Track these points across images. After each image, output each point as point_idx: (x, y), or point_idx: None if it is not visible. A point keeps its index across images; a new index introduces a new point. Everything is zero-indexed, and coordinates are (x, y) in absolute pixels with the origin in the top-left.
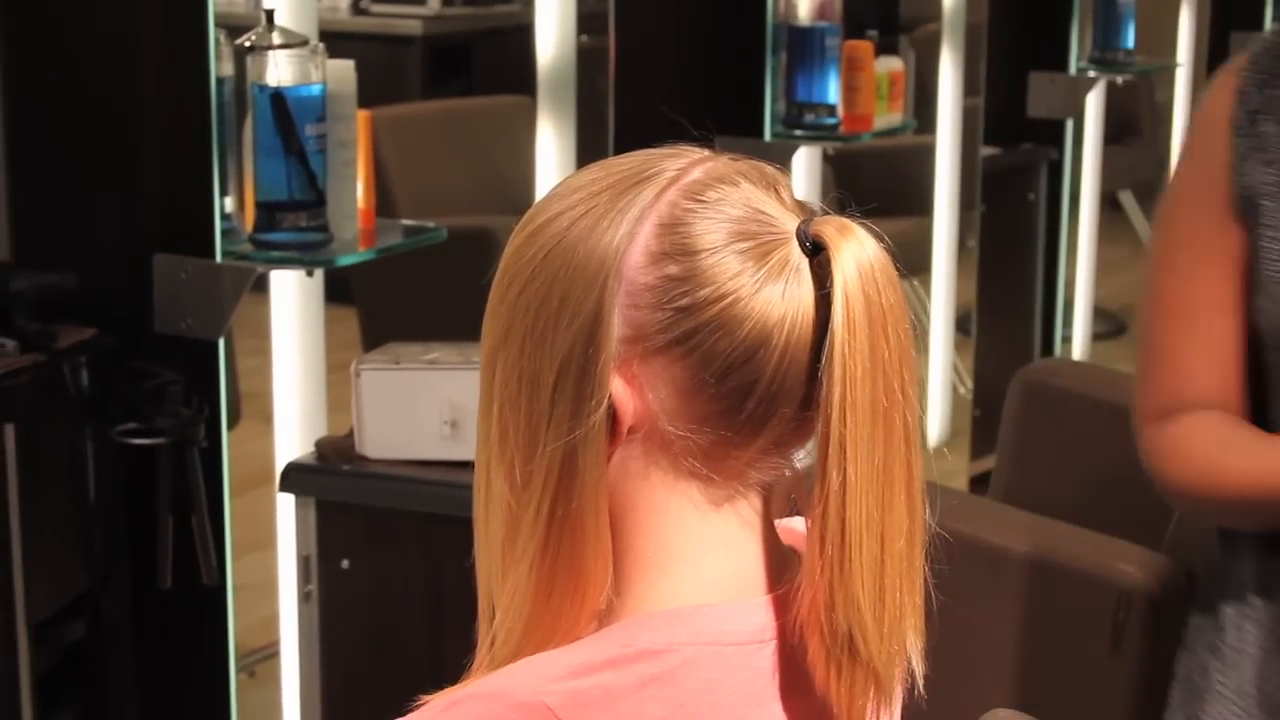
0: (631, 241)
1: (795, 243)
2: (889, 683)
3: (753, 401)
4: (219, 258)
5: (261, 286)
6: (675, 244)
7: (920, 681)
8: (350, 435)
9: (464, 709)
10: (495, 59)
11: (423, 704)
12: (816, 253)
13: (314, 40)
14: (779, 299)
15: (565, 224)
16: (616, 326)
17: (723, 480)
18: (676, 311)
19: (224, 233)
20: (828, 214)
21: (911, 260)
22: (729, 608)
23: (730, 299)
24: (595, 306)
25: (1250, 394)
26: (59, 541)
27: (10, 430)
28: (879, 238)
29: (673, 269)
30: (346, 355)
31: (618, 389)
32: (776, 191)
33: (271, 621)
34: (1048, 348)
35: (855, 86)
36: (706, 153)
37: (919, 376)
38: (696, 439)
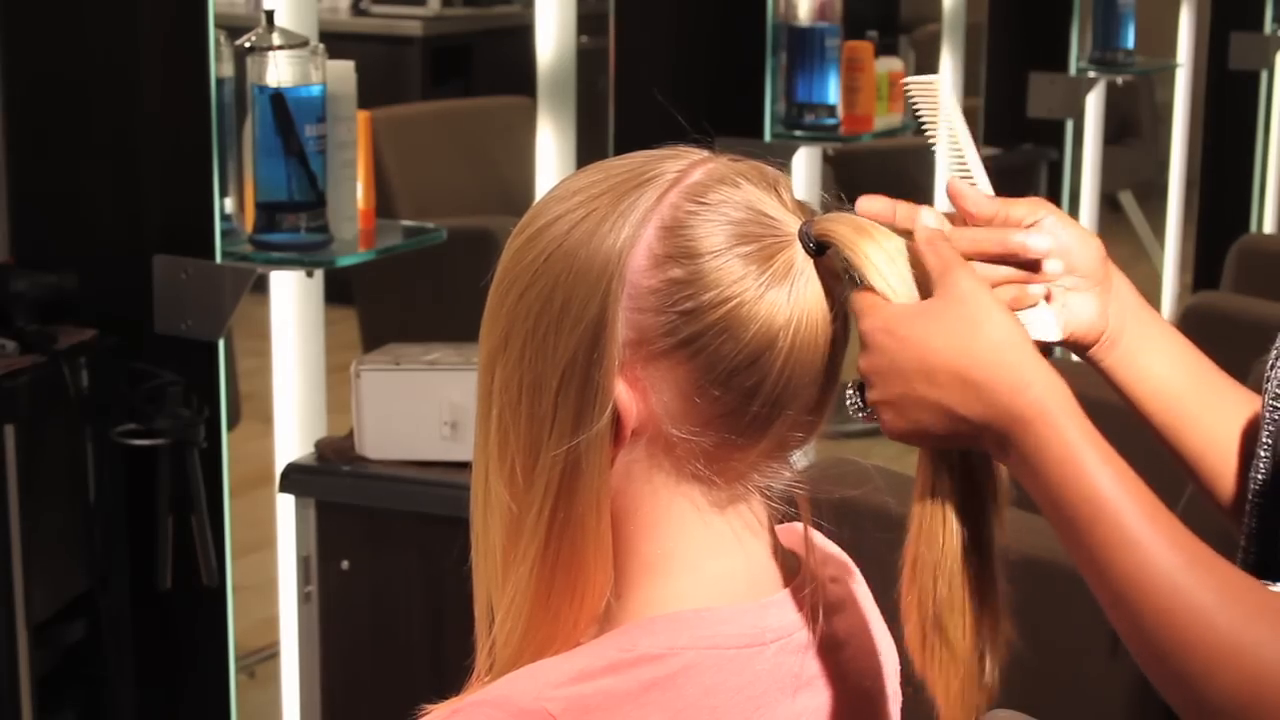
0: (635, 244)
1: (798, 244)
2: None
3: (757, 404)
4: (219, 258)
5: (261, 287)
6: (678, 247)
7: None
8: (350, 436)
9: (466, 716)
10: (495, 59)
11: (426, 713)
12: (821, 253)
13: (314, 41)
14: (785, 302)
15: (565, 227)
16: (620, 330)
17: (725, 483)
18: (680, 315)
19: (224, 233)
20: (829, 213)
21: None
22: (730, 611)
23: (735, 302)
24: (599, 310)
25: None
26: (59, 541)
27: (10, 430)
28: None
29: (676, 272)
30: (346, 356)
31: (621, 393)
32: (777, 192)
33: (271, 622)
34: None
35: (855, 87)
36: (706, 154)
37: None
38: (700, 442)
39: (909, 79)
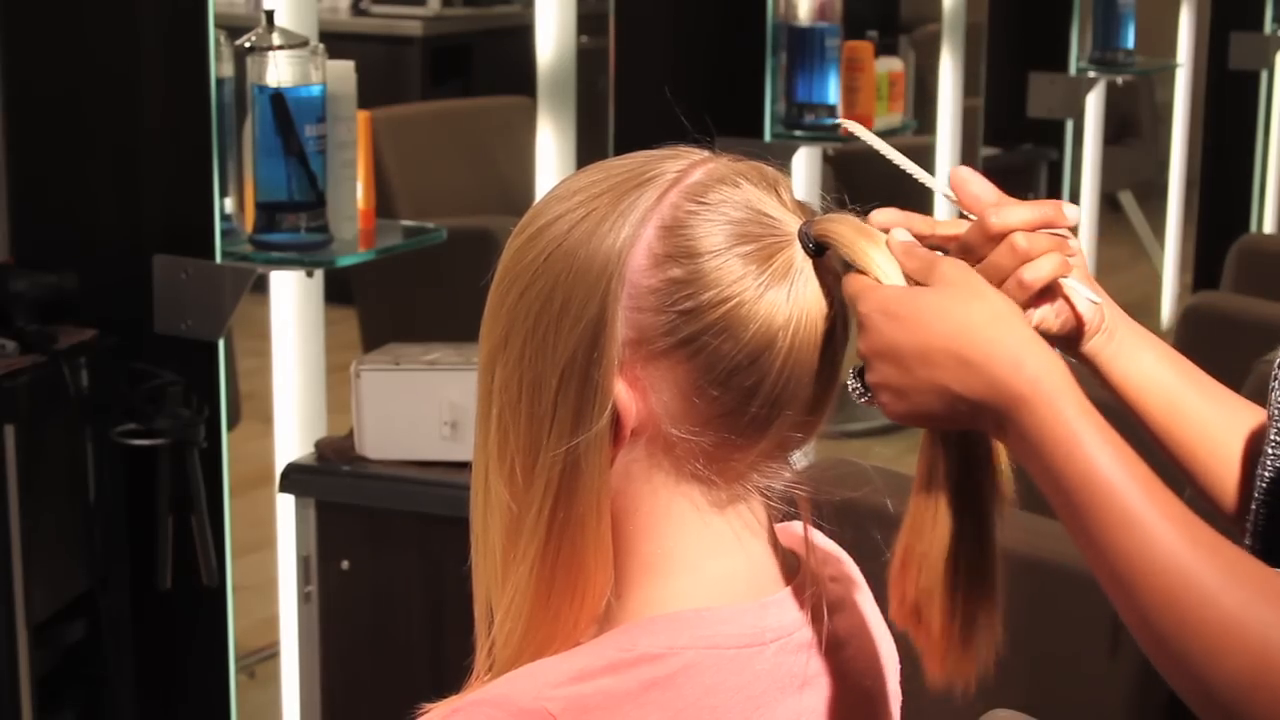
0: (634, 244)
1: (798, 245)
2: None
3: (756, 404)
4: (219, 258)
5: (261, 287)
6: (678, 246)
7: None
8: (350, 436)
9: (466, 715)
10: (495, 59)
11: (425, 712)
12: (820, 253)
13: (314, 41)
14: (784, 302)
15: (565, 227)
16: (620, 330)
17: (724, 483)
18: (680, 315)
19: (224, 233)
20: (830, 213)
21: None
22: (729, 610)
23: (734, 302)
24: (598, 310)
25: None
26: (59, 541)
27: (10, 430)
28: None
29: (676, 272)
30: (346, 355)
31: (621, 392)
32: (777, 192)
33: (271, 622)
34: None
35: (855, 87)
36: (706, 153)
37: None
38: (699, 442)
39: (843, 121)
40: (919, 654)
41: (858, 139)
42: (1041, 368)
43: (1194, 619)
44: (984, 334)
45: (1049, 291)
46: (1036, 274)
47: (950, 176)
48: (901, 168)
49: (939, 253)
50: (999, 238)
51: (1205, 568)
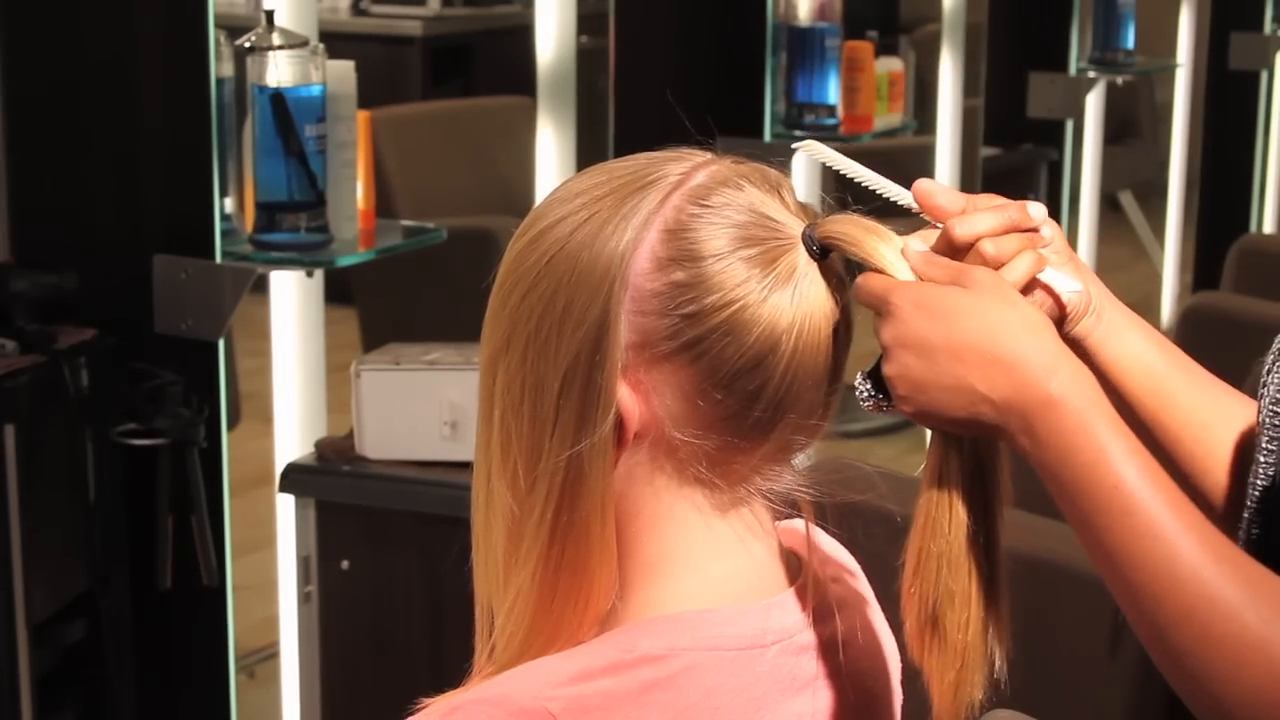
0: (637, 247)
1: (802, 248)
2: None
3: (760, 408)
4: (219, 258)
5: (261, 287)
6: (681, 250)
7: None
8: (350, 436)
9: (465, 714)
10: (495, 59)
11: (424, 707)
12: (824, 256)
13: (314, 41)
14: (788, 306)
15: (568, 229)
16: (623, 333)
17: (727, 486)
18: (683, 318)
19: (224, 233)
20: (832, 215)
21: None
22: (731, 612)
23: (737, 305)
24: (601, 313)
25: None
26: (59, 541)
27: (10, 430)
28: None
29: (679, 275)
30: (346, 355)
31: (624, 396)
32: (780, 195)
33: (271, 621)
34: None
35: (855, 87)
36: (708, 155)
37: None
38: (702, 445)
39: (799, 145)
40: (928, 679)
41: (856, 139)
42: (1073, 377)
43: (1216, 633)
44: (1018, 338)
45: (1028, 286)
46: (1011, 278)
47: (913, 190)
48: (867, 185)
49: (966, 264)
50: (966, 247)
51: (1228, 582)
